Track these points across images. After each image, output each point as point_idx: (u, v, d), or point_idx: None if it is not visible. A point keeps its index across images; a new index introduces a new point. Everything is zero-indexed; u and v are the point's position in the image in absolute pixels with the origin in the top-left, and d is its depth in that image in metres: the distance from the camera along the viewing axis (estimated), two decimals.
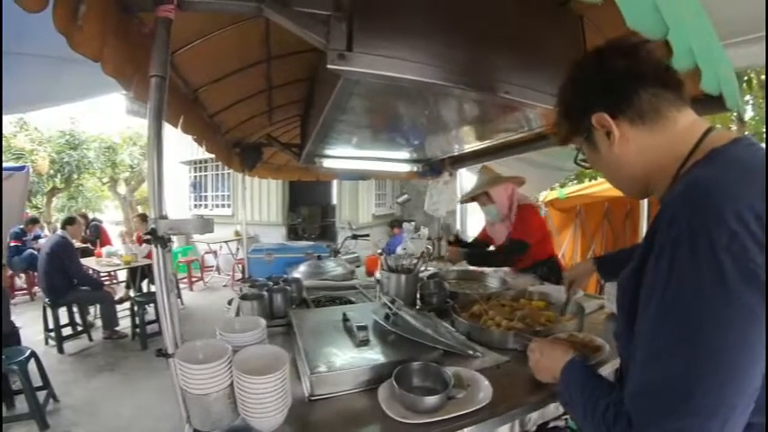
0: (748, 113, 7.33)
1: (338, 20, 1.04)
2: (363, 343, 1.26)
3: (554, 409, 1.18)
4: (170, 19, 1.12)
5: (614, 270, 1.53)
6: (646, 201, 3.08)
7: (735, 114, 6.90)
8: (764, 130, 7.05)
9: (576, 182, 8.32)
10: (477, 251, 2.87)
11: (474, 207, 3.05)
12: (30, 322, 5.20)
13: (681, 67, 1.00)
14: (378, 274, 2.05)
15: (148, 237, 0.97)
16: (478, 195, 2.71)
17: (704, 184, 0.60)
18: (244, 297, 1.69)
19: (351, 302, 2.01)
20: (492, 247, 2.89)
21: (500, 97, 1.23)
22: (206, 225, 0.95)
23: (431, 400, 0.97)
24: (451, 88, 1.19)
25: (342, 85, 1.16)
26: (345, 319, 1.44)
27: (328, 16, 1.03)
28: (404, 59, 1.08)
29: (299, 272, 2.56)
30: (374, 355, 1.21)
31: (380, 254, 2.09)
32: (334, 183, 9.35)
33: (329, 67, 1.00)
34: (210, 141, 2.59)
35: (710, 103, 1.35)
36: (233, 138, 3.11)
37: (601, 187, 5.15)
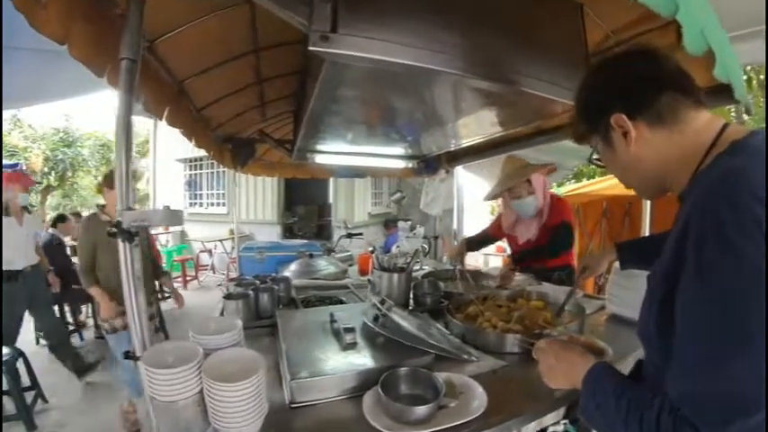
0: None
1: (322, 0, 0.97)
2: (350, 346, 1.19)
3: (553, 417, 1.10)
4: None
5: (636, 257, 1.44)
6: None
7: (733, 113, 6.88)
8: (764, 128, 7.00)
9: (573, 181, 8.27)
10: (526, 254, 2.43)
11: (472, 205, 2.97)
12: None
13: (693, 50, 0.94)
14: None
15: (114, 231, 0.89)
16: (513, 187, 2.30)
17: (737, 172, 0.61)
18: (228, 296, 1.62)
19: (342, 302, 1.95)
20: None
21: (495, 84, 1.15)
22: (174, 217, 0.88)
23: (420, 410, 0.90)
24: (443, 73, 1.12)
25: (327, 70, 1.08)
26: (333, 321, 1.36)
27: None
28: (393, 42, 1.01)
29: (290, 270, 2.50)
30: (361, 359, 1.13)
31: (372, 252, 2.01)
32: (331, 181, 9.29)
33: (310, 48, 0.93)
34: (200, 136, 2.52)
35: (718, 95, 1.30)
36: (224, 133, 3.04)
37: (599, 186, 5.09)
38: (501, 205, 2.70)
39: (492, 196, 2.53)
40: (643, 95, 0.73)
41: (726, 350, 0.55)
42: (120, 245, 0.91)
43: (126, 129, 0.95)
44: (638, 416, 0.64)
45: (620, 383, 0.74)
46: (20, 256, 3.32)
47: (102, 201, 2.75)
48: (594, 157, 0.87)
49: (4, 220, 3.19)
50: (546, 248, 2.31)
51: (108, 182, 2.56)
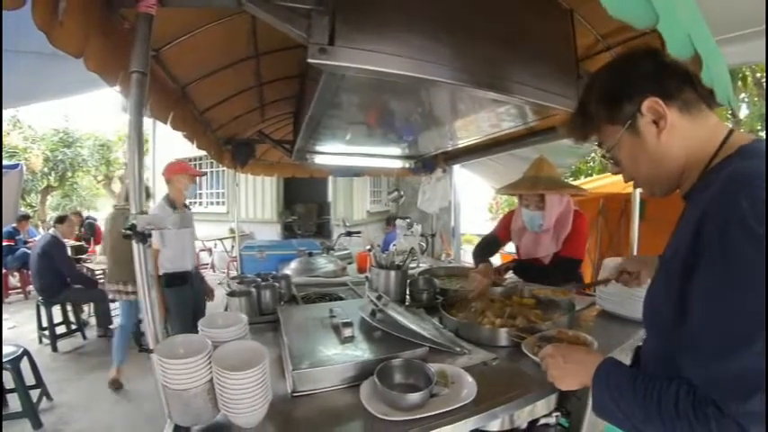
0: (743, 111, 7.35)
1: (320, 14, 1.03)
2: (348, 339, 1.26)
3: (543, 406, 1.16)
4: (151, 15, 1.11)
5: None
6: (637, 198, 3.07)
7: (730, 113, 6.93)
8: (759, 127, 7.06)
9: (572, 179, 8.31)
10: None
11: (470, 202, 3.02)
12: (24, 321, 5.19)
13: (679, 54, 0.97)
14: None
15: (129, 233, 0.96)
16: (527, 194, 2.14)
17: (753, 172, 0.63)
18: (232, 294, 1.68)
19: (341, 299, 2.01)
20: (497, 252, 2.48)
21: (486, 91, 1.22)
22: (184, 219, 0.95)
23: (413, 397, 0.97)
24: (438, 82, 1.18)
25: (325, 79, 1.15)
26: (332, 316, 1.43)
27: (309, 10, 1.03)
28: (387, 53, 1.07)
29: (291, 268, 2.56)
30: (358, 351, 1.20)
31: (370, 250, 2.07)
32: (330, 180, 9.34)
33: (309, 61, 1.00)
34: (201, 138, 2.58)
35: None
36: (225, 135, 3.10)
37: (595, 184, 5.13)
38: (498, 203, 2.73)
39: (506, 192, 2.39)
40: (675, 81, 0.74)
41: (750, 331, 0.57)
42: (135, 246, 0.98)
43: (138, 137, 1.02)
44: (656, 402, 0.67)
45: (631, 373, 0.76)
46: (189, 256, 2.98)
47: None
48: (606, 153, 0.84)
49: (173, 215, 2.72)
50: (548, 276, 2.12)
51: None
